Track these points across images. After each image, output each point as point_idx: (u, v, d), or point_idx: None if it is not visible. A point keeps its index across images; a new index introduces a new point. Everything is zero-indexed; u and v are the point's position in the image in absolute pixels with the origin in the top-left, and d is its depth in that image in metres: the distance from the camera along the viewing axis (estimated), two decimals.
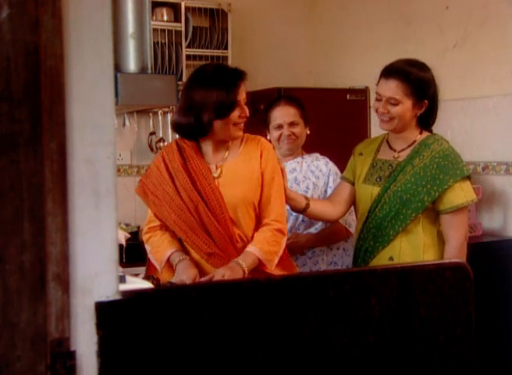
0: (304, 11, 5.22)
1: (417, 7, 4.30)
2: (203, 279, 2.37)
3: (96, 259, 1.13)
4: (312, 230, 3.01)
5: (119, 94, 3.27)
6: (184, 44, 4.58)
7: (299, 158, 3.06)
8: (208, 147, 2.53)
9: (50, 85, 1.07)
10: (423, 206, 2.54)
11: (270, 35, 5.05)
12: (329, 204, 2.83)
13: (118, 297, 1.15)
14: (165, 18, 4.57)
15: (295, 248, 2.88)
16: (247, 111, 2.47)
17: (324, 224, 3.01)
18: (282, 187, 2.58)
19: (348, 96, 4.68)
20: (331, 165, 3.08)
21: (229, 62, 4.67)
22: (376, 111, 2.65)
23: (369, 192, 2.69)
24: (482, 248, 3.54)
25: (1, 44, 1.04)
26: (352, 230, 3.01)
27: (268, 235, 2.45)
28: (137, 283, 2.22)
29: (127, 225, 4.25)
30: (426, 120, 2.68)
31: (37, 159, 1.06)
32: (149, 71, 3.44)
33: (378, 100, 2.63)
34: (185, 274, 2.37)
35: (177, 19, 4.59)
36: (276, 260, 2.45)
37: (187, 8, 4.59)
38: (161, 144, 4.67)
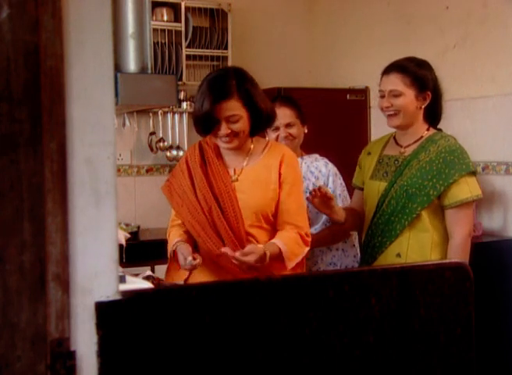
0: (304, 11, 5.22)
1: (417, 7, 4.30)
2: (237, 253, 2.31)
3: (96, 259, 1.13)
4: (312, 231, 3.01)
5: (119, 94, 3.27)
6: (184, 44, 4.58)
7: (298, 159, 3.06)
8: (226, 150, 2.53)
9: (50, 85, 1.07)
10: (429, 200, 2.55)
11: (270, 35, 5.05)
12: (357, 215, 2.86)
13: (118, 297, 1.15)
14: (165, 18, 4.57)
15: None
16: (224, 129, 2.39)
17: (323, 225, 3.01)
18: (303, 198, 2.57)
19: (348, 96, 4.69)
20: (330, 166, 3.08)
21: (229, 63, 4.68)
22: (381, 109, 2.68)
23: (376, 187, 2.71)
24: (482, 248, 3.54)
25: (1, 44, 1.04)
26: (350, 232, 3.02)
27: (294, 236, 2.44)
28: (137, 283, 2.22)
29: (127, 225, 4.25)
30: (433, 116, 2.69)
31: (37, 159, 1.06)
32: (149, 71, 3.44)
33: (381, 97, 2.67)
34: (181, 259, 2.40)
35: (177, 19, 4.60)
36: (294, 263, 2.43)
37: (187, 8, 4.59)
38: (161, 144, 4.67)
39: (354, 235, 3.09)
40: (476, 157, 3.86)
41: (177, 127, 4.72)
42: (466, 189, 2.55)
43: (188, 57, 4.62)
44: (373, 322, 1.39)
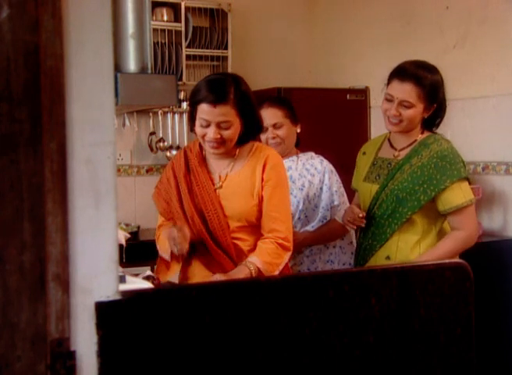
0: (304, 11, 5.22)
1: (417, 7, 4.30)
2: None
3: (96, 259, 1.13)
4: (309, 228, 3.02)
5: (119, 94, 3.27)
6: (184, 44, 4.58)
7: (294, 157, 3.07)
8: (211, 155, 2.50)
9: (50, 85, 1.07)
10: (419, 205, 2.55)
11: (270, 35, 5.05)
12: None
13: (118, 297, 1.15)
14: (165, 18, 4.57)
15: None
16: (213, 133, 2.35)
17: (320, 222, 3.02)
18: (287, 202, 2.53)
19: (348, 96, 4.68)
20: (326, 163, 3.09)
21: (229, 62, 4.68)
22: (385, 111, 2.63)
23: (368, 190, 2.70)
24: (482, 248, 3.53)
25: (1, 44, 1.04)
26: (348, 227, 3.01)
27: (271, 247, 2.41)
28: (137, 283, 2.22)
29: (127, 225, 4.25)
30: (430, 121, 2.68)
31: (37, 159, 1.06)
32: (149, 71, 3.44)
33: (388, 101, 2.62)
34: (168, 241, 2.37)
35: (177, 19, 4.59)
36: (276, 273, 2.43)
37: (187, 8, 4.59)
38: (161, 144, 4.67)
39: (352, 232, 3.09)
40: (476, 157, 3.86)
41: (177, 127, 4.71)
42: (460, 194, 2.54)
43: (188, 57, 4.62)
44: (373, 322, 1.39)
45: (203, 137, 2.39)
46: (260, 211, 2.44)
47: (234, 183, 2.46)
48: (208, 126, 2.37)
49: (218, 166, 2.50)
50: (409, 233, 2.59)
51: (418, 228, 2.58)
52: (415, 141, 2.66)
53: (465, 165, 2.62)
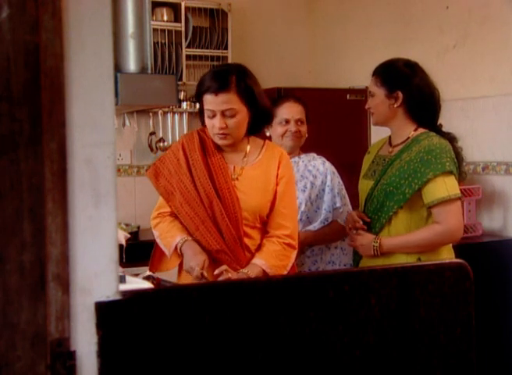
0: (304, 11, 5.22)
1: (417, 7, 4.30)
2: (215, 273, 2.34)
3: (96, 259, 1.13)
4: (310, 228, 3.02)
5: (119, 94, 3.27)
6: (184, 44, 4.58)
7: (296, 158, 3.07)
8: (224, 147, 2.50)
9: (50, 85, 1.07)
10: (404, 199, 2.55)
11: (270, 35, 5.05)
12: None
13: (118, 297, 1.15)
14: (165, 18, 4.57)
15: None
16: (219, 123, 2.37)
17: (322, 223, 3.02)
18: (295, 200, 2.57)
19: (348, 96, 4.68)
20: (328, 164, 3.09)
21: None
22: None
23: (365, 186, 2.74)
24: (482, 248, 3.54)
25: (1, 44, 1.04)
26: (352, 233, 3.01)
27: (278, 248, 2.42)
28: (137, 283, 2.22)
29: (127, 225, 4.25)
30: (421, 116, 2.68)
31: (37, 159, 1.06)
32: (149, 71, 3.44)
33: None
34: (194, 260, 2.35)
35: (177, 19, 4.60)
36: (285, 272, 2.43)
37: (187, 8, 4.59)
38: (161, 144, 4.67)
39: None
40: (476, 157, 3.86)
41: (177, 127, 4.72)
42: (443, 188, 2.53)
43: (188, 57, 4.62)
44: (373, 322, 1.39)
45: (212, 129, 2.42)
46: (271, 208, 2.47)
47: (250, 177, 2.46)
48: (214, 116, 2.39)
49: (232, 159, 2.50)
50: (398, 228, 2.59)
51: (407, 223, 2.59)
52: (408, 138, 2.67)
53: (454, 161, 2.59)
